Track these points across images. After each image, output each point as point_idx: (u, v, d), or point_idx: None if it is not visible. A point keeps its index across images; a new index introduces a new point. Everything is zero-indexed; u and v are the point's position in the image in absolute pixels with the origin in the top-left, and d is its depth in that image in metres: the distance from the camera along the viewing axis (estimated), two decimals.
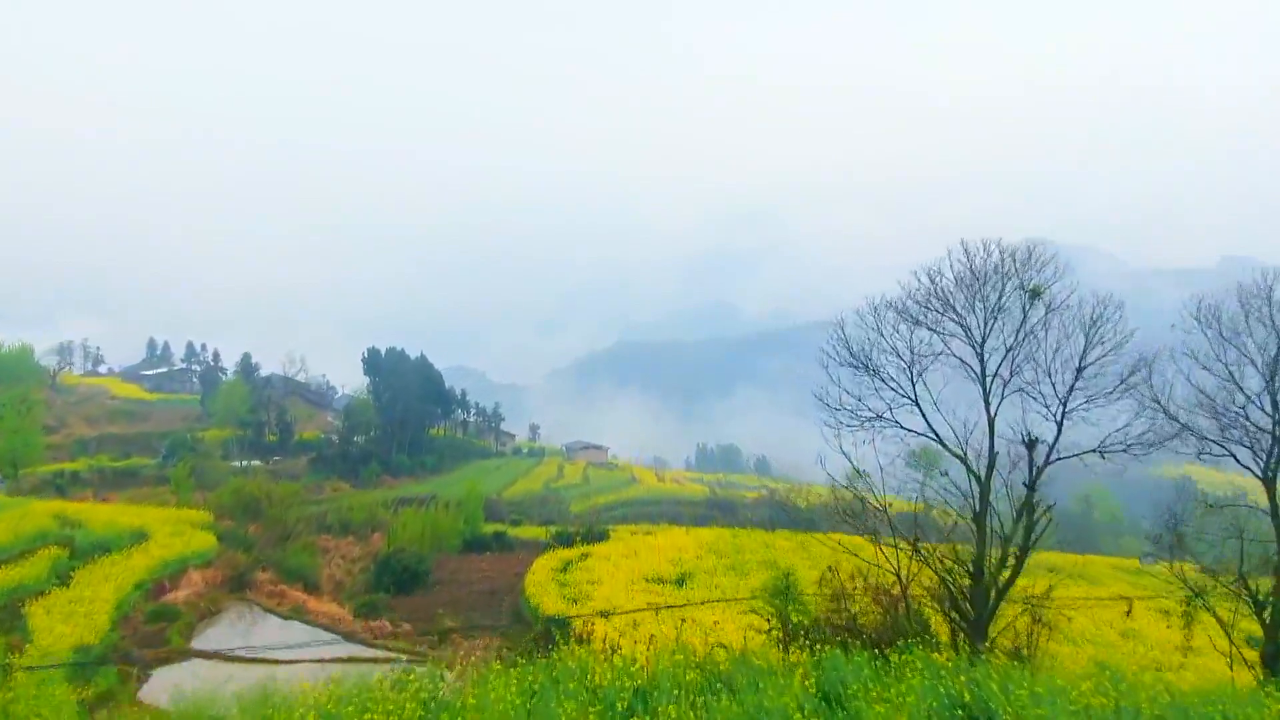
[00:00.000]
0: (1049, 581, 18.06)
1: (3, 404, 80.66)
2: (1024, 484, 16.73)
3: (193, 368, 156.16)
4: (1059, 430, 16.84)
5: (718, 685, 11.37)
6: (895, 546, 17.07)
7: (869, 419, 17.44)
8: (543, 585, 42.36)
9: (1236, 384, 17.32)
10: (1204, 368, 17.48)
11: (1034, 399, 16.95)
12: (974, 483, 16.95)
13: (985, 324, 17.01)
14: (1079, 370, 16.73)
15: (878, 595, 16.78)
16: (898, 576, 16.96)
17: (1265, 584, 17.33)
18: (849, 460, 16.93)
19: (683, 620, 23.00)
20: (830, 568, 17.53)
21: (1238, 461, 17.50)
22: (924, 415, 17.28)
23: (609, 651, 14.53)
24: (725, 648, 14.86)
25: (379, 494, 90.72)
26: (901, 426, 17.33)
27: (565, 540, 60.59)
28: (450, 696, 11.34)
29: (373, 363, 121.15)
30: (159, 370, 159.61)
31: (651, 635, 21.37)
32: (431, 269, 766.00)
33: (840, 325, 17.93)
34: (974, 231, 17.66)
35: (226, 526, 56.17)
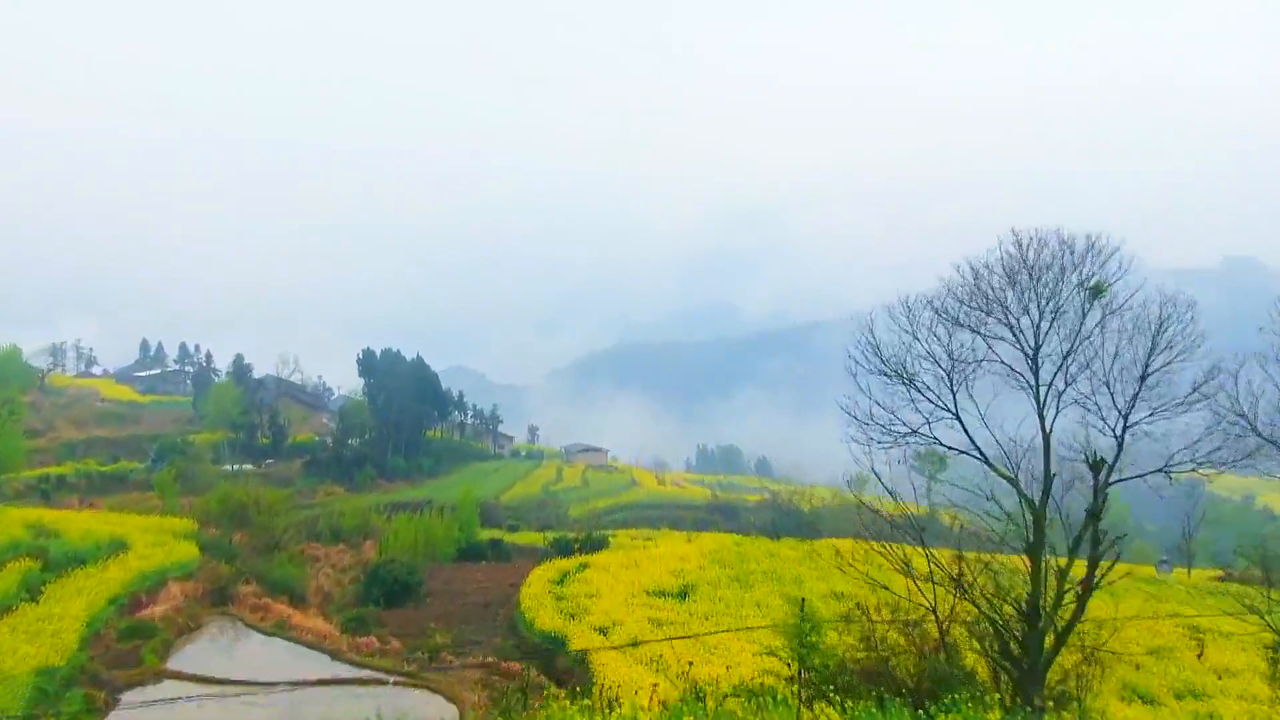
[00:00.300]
0: (1109, 621, 15.98)
1: None
2: (1085, 510, 14.65)
3: (186, 369, 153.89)
4: (1119, 447, 14.78)
5: None
6: (931, 580, 14.94)
7: (904, 435, 15.25)
8: (539, 599, 40.97)
9: None
10: None
11: (1089, 411, 14.86)
12: (1025, 509, 14.84)
13: (1039, 326, 14.89)
14: (1142, 378, 14.69)
15: (911, 636, 14.68)
16: (934, 613, 14.86)
17: None
18: (880, 482, 14.78)
19: (689, 664, 20.89)
20: (859, 605, 15.41)
21: None
22: (966, 430, 15.13)
23: (605, 708, 12.51)
24: (739, 696, 12.87)
25: (373, 498, 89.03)
26: (940, 444, 15.16)
27: (563, 547, 59.12)
28: None
29: (367, 364, 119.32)
30: (152, 372, 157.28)
31: (657, 677, 19.30)
32: (430, 269, 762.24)
33: (869, 327, 15.72)
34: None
35: (211, 535, 54.24)
